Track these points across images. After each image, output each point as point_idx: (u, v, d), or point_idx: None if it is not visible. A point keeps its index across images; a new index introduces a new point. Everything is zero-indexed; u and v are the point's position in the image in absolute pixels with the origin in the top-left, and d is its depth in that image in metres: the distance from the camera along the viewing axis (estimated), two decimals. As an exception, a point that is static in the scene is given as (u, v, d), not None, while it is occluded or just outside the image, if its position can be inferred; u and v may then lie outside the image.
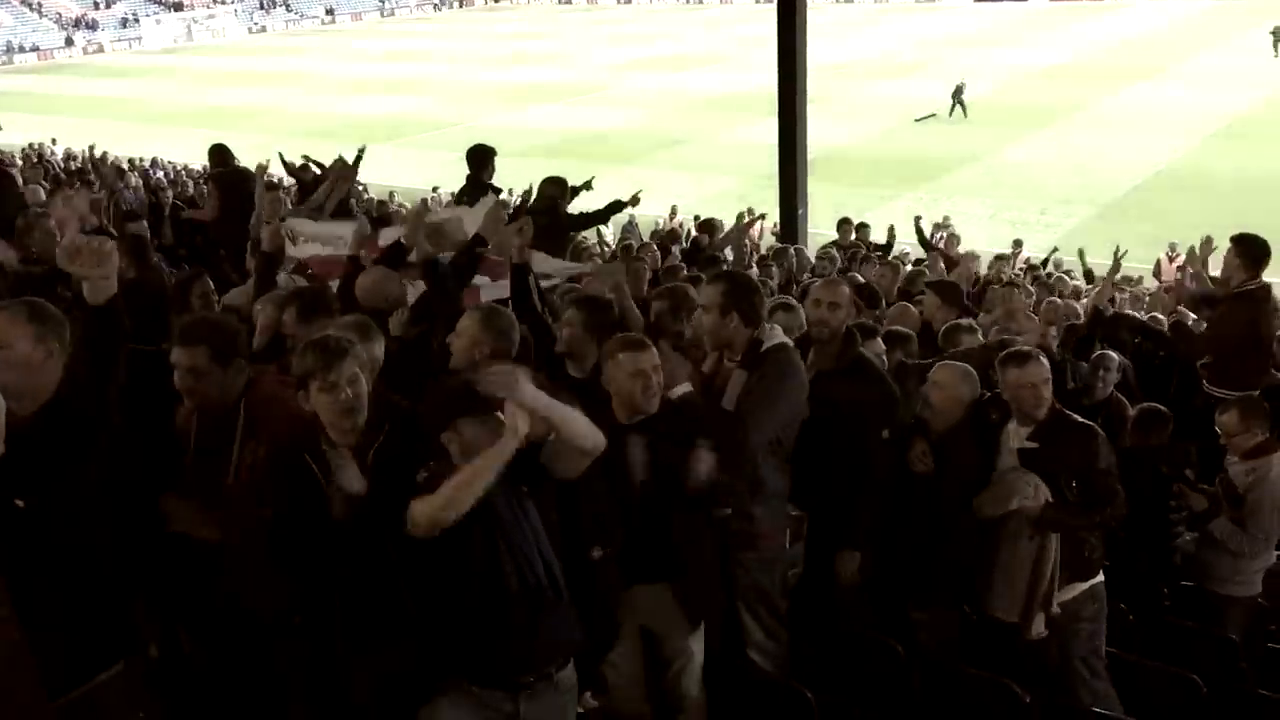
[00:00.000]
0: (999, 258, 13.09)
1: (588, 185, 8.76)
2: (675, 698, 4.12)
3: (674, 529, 3.92)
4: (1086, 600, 4.52)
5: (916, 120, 33.30)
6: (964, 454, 4.49)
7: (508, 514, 3.27)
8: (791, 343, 4.46)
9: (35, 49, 63.22)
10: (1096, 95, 34.74)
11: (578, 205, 8.70)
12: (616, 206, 8.58)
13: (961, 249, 12.96)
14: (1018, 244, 18.44)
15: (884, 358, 5.20)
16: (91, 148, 22.73)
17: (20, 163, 17.53)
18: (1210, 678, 4.34)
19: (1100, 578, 4.58)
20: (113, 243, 3.23)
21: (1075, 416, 4.55)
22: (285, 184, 11.44)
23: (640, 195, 8.53)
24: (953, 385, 4.54)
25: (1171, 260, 17.68)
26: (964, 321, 6.27)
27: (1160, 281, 16.54)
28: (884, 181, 26.77)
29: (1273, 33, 37.21)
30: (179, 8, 72.59)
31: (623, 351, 3.86)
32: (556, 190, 8.44)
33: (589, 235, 12.76)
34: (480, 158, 8.24)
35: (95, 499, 3.12)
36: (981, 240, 19.70)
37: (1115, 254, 8.85)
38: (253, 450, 3.63)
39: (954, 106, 33.39)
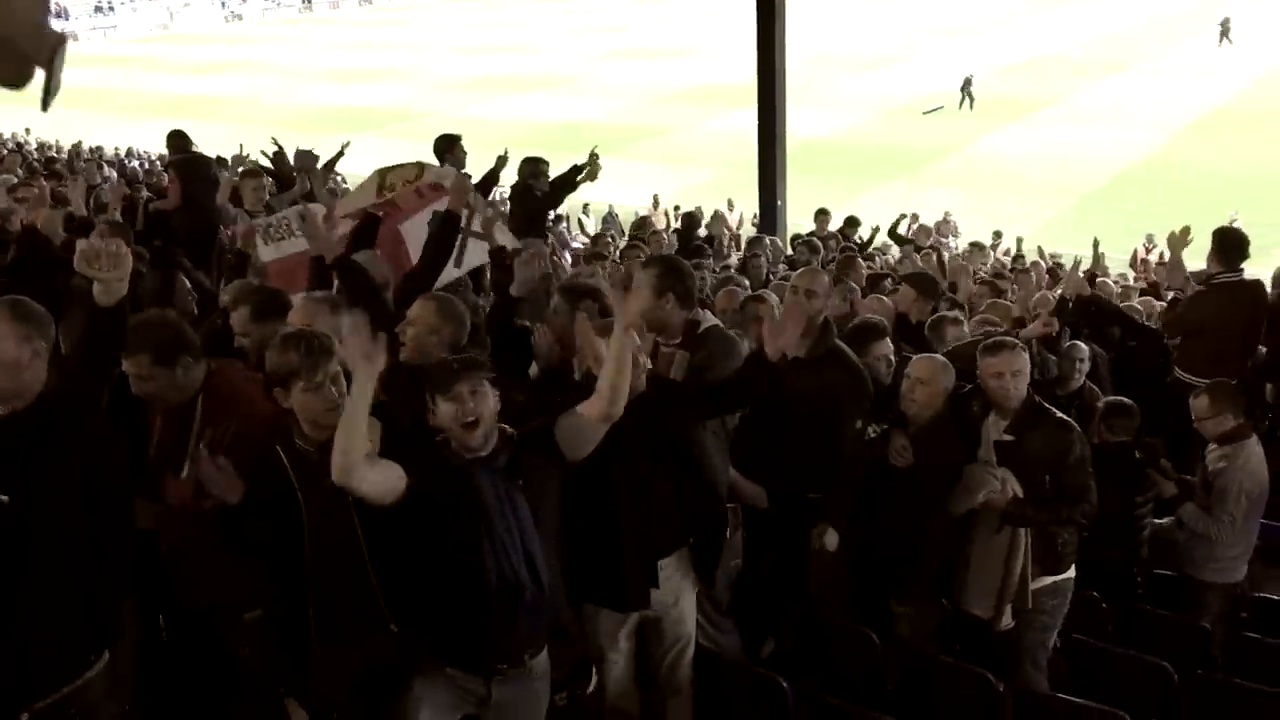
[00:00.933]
0: (974, 246, 13.08)
1: (592, 163, 8.62)
2: (670, 683, 4.12)
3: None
4: (1049, 593, 4.52)
5: (925, 113, 33.08)
6: (945, 446, 4.48)
7: (494, 506, 3.27)
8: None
9: (8, 37, 62.56)
10: (1073, 87, 34.88)
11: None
12: (576, 171, 8.51)
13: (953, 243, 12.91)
14: (997, 235, 18.54)
15: (890, 358, 5.08)
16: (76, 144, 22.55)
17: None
18: (1181, 665, 4.36)
19: (1070, 573, 4.58)
20: (127, 246, 3.20)
21: (1054, 411, 4.53)
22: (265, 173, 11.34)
23: (598, 151, 8.46)
24: (932, 377, 4.53)
25: (1149, 251, 17.83)
26: (949, 313, 6.26)
27: (1135, 272, 16.67)
28: (862, 172, 26.83)
29: (1221, 24, 37.09)
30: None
31: None
32: (530, 170, 8.44)
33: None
34: (444, 144, 8.22)
35: (76, 497, 3.08)
36: (961, 230, 19.83)
37: (1094, 246, 8.90)
38: (208, 442, 3.56)
39: (963, 99, 33.18)
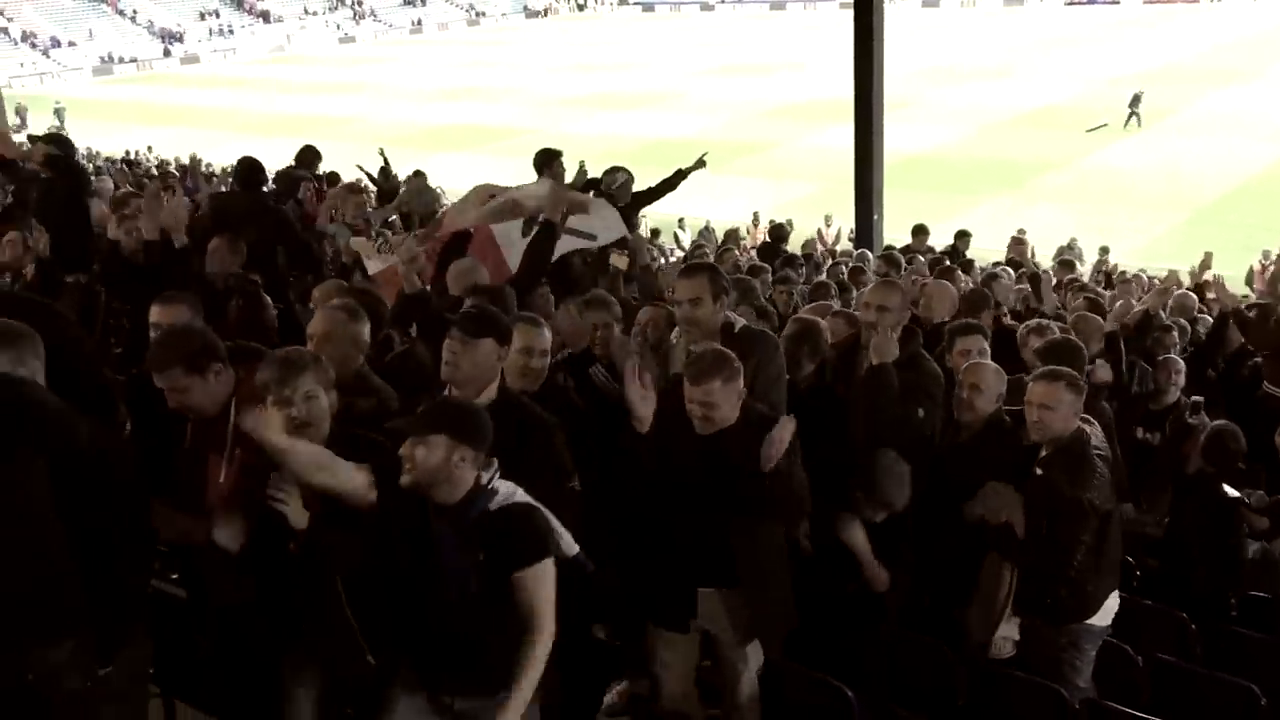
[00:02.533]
0: (1063, 262, 12.79)
1: (700, 163, 8.64)
2: (729, 702, 4.15)
3: (731, 534, 3.91)
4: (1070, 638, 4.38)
5: (1088, 131, 31.60)
6: (992, 456, 4.44)
7: (445, 554, 3.33)
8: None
9: (134, 60, 65.29)
10: (1187, 99, 33.87)
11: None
12: (681, 175, 8.51)
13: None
14: (1104, 250, 18.09)
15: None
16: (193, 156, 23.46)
17: (109, 170, 18.11)
18: (1270, 688, 4.23)
19: (1096, 620, 4.40)
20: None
21: (1090, 451, 4.25)
22: (367, 188, 11.70)
23: (706, 158, 8.47)
24: (989, 385, 4.52)
25: (1265, 268, 17.22)
26: (1037, 321, 6.16)
27: (1256, 288, 16.11)
28: (967, 188, 26.43)
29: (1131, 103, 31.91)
30: (268, 18, 74.32)
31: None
32: (613, 179, 8.48)
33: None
34: (543, 159, 8.34)
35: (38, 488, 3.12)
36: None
37: (1201, 261, 8.69)
38: (241, 455, 3.60)
39: (1130, 116, 31.47)
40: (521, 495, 3.37)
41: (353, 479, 3.37)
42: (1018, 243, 11.06)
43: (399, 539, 3.37)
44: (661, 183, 8.55)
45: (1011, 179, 27.27)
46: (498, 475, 3.37)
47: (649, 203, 8.61)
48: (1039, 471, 4.26)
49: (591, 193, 7.31)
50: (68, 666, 3.17)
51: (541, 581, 3.27)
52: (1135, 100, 31.46)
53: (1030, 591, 4.35)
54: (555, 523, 3.41)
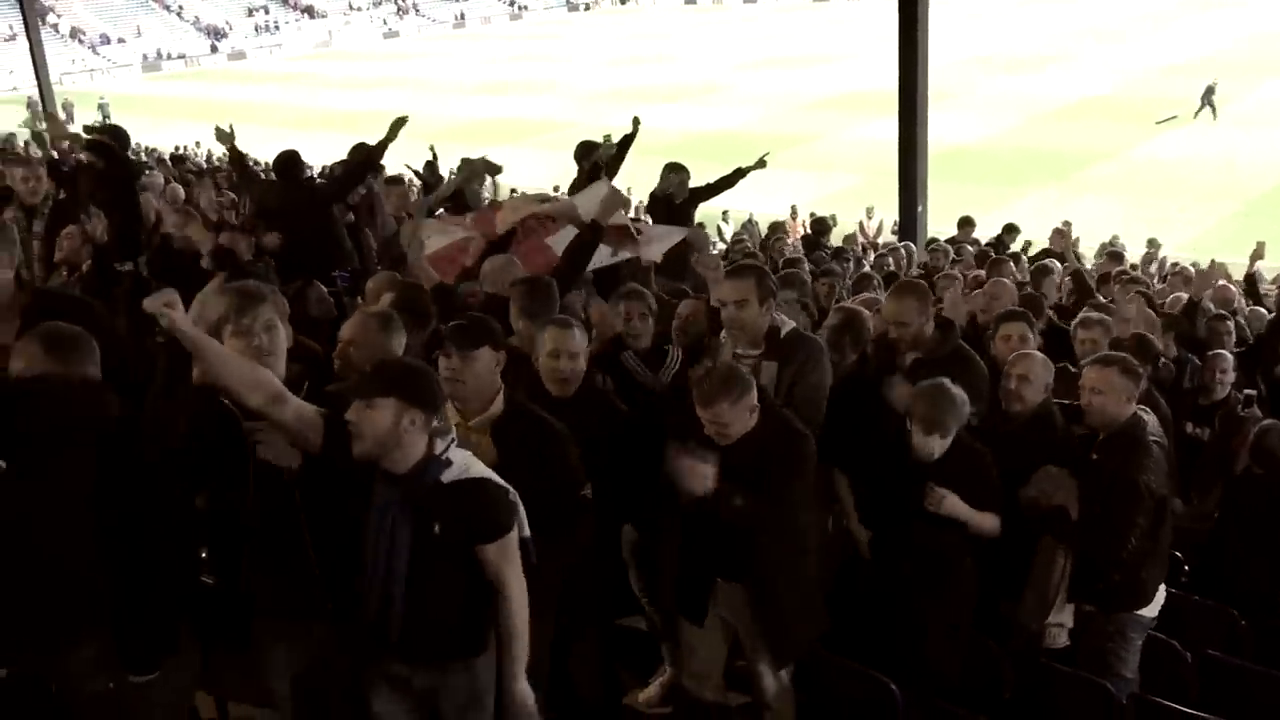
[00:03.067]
0: (1111, 254, 12.57)
1: (761, 163, 8.67)
2: (756, 697, 4.11)
3: (755, 534, 3.83)
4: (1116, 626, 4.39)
5: (1158, 123, 30.82)
6: (1041, 446, 4.41)
7: (376, 521, 3.28)
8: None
9: (182, 56, 66.11)
10: (1238, 90, 33.24)
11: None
12: (740, 174, 8.52)
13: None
14: (1152, 243, 17.82)
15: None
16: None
17: (158, 165, 18.33)
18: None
19: (1144, 611, 4.40)
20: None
21: (1147, 437, 4.25)
22: (410, 181, 11.78)
23: (767, 158, 8.46)
24: (1037, 375, 4.48)
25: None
26: (1087, 315, 6.08)
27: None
28: (1012, 179, 26.15)
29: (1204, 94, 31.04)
30: (313, 14, 74.92)
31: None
32: (675, 178, 8.43)
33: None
34: (583, 151, 8.36)
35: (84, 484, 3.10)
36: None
37: (1254, 251, 8.53)
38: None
39: (1201, 107, 30.73)
40: (478, 468, 3.27)
41: (295, 413, 3.22)
42: (1059, 234, 10.87)
43: (344, 503, 3.29)
44: (720, 180, 8.56)
45: (1058, 170, 26.94)
46: (454, 444, 3.28)
47: (706, 199, 8.61)
48: (1095, 456, 4.26)
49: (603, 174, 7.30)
50: (91, 668, 3.12)
51: (506, 554, 3.24)
52: (1209, 91, 30.72)
53: (1085, 577, 4.33)
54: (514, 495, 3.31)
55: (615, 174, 8.14)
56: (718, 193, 8.66)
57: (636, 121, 8.50)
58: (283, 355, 3.48)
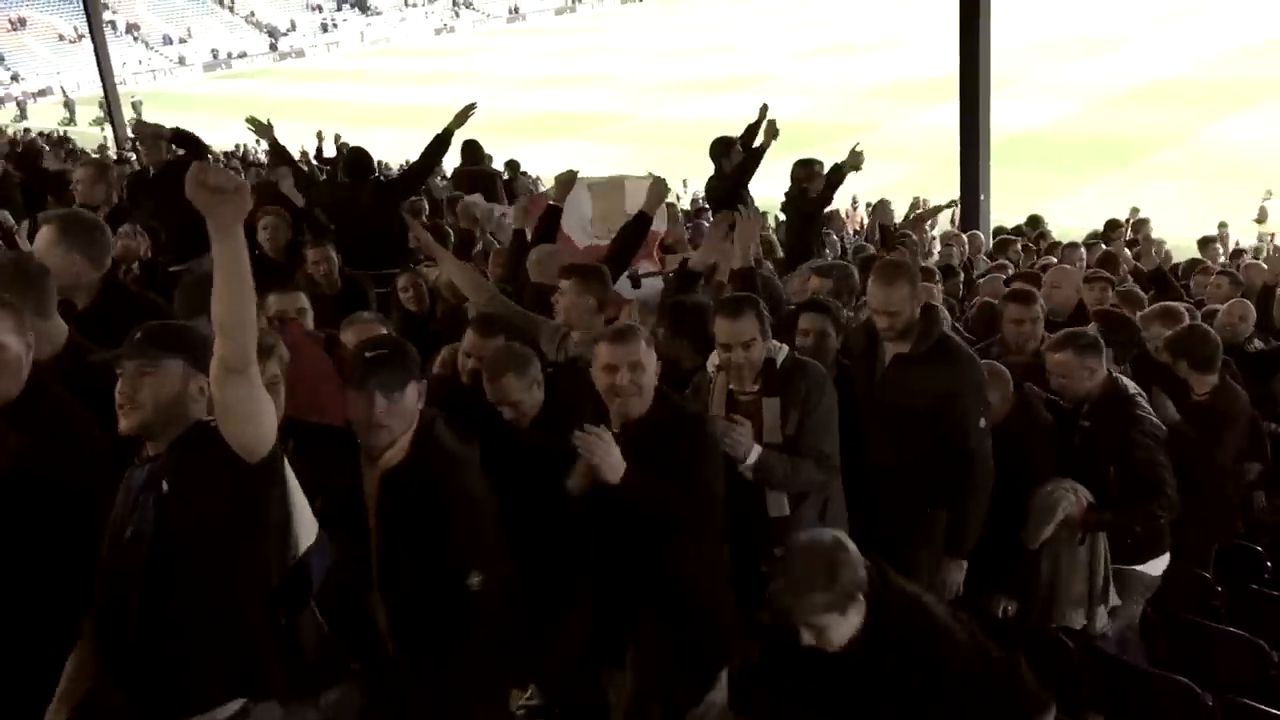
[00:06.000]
0: (1203, 240, 12.24)
1: (855, 159, 8.45)
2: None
3: (656, 553, 3.46)
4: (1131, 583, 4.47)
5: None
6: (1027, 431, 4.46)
7: (122, 510, 2.79)
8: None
9: (243, 55, 67.10)
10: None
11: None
12: (839, 172, 8.20)
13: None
14: (1222, 226, 17.43)
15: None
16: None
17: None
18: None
19: (1152, 565, 4.50)
20: None
21: (1127, 392, 4.39)
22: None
23: (861, 150, 8.26)
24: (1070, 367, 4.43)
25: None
26: (1176, 305, 5.91)
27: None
28: (1076, 166, 25.69)
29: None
30: (364, 8, 75.66)
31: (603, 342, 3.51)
32: (805, 173, 8.29)
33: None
34: (721, 148, 8.27)
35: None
36: (1183, 224, 18.68)
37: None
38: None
39: None
40: None
41: None
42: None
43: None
44: (828, 175, 8.36)
45: (1124, 155, 26.43)
46: None
47: (824, 203, 8.47)
48: (1086, 424, 4.36)
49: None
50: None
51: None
52: None
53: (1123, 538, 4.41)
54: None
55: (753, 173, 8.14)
56: (829, 196, 8.46)
57: (766, 113, 8.36)
58: (280, 413, 3.05)
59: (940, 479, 4.15)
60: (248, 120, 7.98)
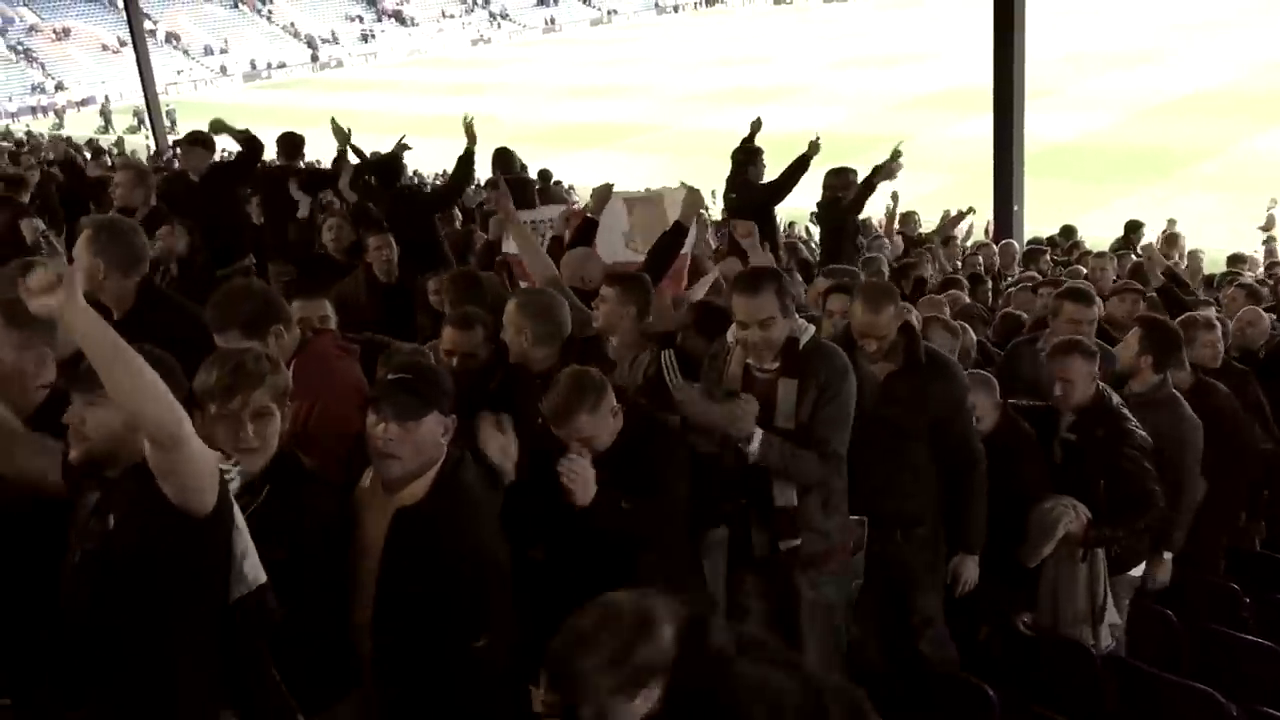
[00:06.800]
0: (1234, 257, 12.14)
1: (890, 172, 8.34)
2: None
3: (639, 569, 3.36)
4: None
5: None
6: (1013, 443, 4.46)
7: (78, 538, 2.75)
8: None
9: (282, 65, 67.80)
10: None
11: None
12: (873, 177, 8.30)
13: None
14: (1268, 225, 17.23)
15: None
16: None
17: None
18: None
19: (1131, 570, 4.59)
20: None
21: (1113, 404, 4.41)
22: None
23: (901, 153, 8.29)
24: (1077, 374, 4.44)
25: None
26: (1201, 315, 5.87)
27: None
28: (1114, 176, 25.50)
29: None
30: (405, 20, 76.25)
31: None
32: (838, 182, 8.32)
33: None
34: (745, 157, 8.30)
35: None
36: (1222, 236, 18.49)
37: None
38: (301, 411, 3.40)
39: None
40: None
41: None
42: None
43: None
44: (863, 181, 8.38)
45: (1162, 167, 26.20)
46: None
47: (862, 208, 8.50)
48: (1072, 437, 4.40)
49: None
50: None
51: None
52: None
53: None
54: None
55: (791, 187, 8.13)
56: (864, 197, 8.47)
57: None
58: (271, 446, 2.93)
59: (933, 488, 4.18)
60: (332, 122, 8.35)
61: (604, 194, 6.15)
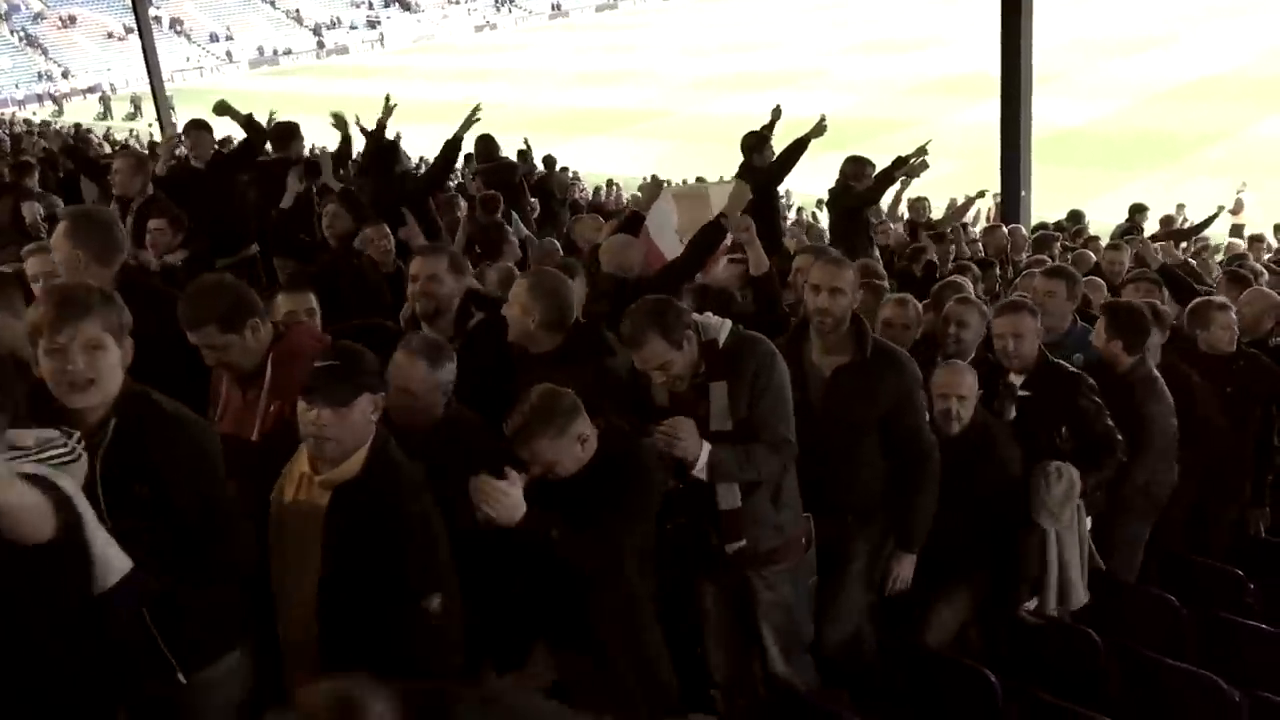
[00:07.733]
0: (1253, 238, 12.08)
1: (922, 153, 8.45)
2: None
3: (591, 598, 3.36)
4: None
5: None
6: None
7: None
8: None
9: (288, 52, 67.72)
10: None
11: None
12: (892, 169, 8.44)
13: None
14: (1237, 209, 17.19)
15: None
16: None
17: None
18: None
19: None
20: None
21: (1064, 365, 4.62)
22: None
23: (927, 150, 8.32)
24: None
25: None
26: (1216, 299, 5.83)
27: None
28: (1122, 162, 25.39)
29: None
30: (406, 5, 76.09)
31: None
32: (853, 171, 8.32)
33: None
34: (753, 141, 8.28)
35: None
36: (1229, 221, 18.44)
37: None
38: (278, 405, 3.43)
39: None
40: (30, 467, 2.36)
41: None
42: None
43: None
44: (881, 172, 8.37)
45: (1170, 152, 26.08)
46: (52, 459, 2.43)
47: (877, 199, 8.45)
48: (1027, 393, 4.53)
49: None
50: (227, 679, 3.00)
51: None
52: None
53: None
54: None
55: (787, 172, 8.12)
56: (884, 188, 8.47)
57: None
58: (109, 381, 2.74)
59: (881, 480, 4.14)
60: (332, 116, 8.51)
61: (653, 190, 6.12)
